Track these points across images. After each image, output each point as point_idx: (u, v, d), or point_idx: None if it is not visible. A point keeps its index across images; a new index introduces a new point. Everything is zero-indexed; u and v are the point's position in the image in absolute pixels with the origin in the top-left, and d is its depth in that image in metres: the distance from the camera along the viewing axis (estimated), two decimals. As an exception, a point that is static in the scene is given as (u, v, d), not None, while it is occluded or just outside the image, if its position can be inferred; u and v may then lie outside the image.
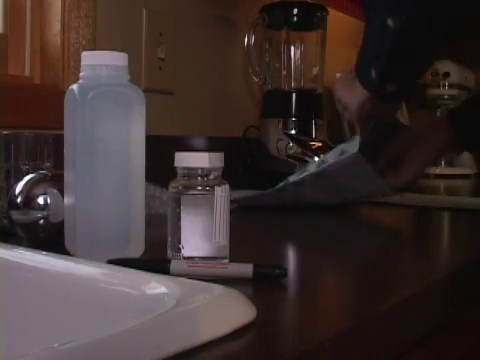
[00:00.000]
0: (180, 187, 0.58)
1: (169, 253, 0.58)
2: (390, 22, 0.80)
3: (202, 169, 0.57)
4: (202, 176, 0.57)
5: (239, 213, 0.92)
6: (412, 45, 0.83)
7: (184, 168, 0.58)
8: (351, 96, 0.90)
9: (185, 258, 0.57)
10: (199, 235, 0.57)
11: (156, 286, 0.43)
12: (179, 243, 0.57)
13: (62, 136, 0.58)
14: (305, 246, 0.79)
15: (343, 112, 0.96)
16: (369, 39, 0.87)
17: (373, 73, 0.84)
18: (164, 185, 0.91)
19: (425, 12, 0.81)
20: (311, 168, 0.98)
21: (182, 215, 0.57)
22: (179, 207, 0.57)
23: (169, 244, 0.58)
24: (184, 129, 1.24)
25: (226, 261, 0.57)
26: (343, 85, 0.94)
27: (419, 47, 0.84)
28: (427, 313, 0.54)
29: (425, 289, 0.53)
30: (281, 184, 0.96)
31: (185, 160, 0.58)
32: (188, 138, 1.23)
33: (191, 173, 0.57)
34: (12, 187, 0.64)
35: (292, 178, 0.96)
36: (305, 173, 0.95)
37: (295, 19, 1.35)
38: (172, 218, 0.58)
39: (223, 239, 0.57)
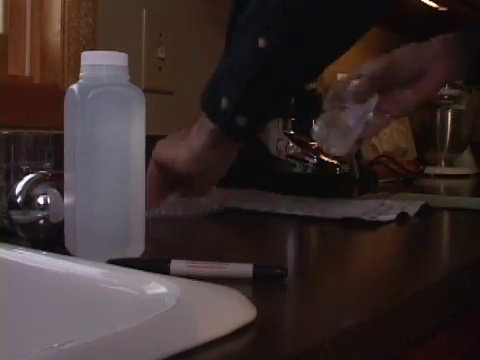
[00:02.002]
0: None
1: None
2: (261, 42, 0.71)
3: None
4: None
5: (237, 213, 0.92)
6: (281, 69, 0.74)
7: None
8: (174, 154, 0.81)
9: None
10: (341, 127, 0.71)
11: (156, 286, 0.43)
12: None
13: (62, 136, 0.58)
14: (305, 246, 0.79)
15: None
16: (229, 62, 0.79)
17: (224, 103, 0.75)
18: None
19: (305, 33, 0.72)
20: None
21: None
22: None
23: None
24: (184, 129, 1.24)
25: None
26: (166, 144, 0.83)
27: (289, 73, 0.75)
28: (427, 313, 0.54)
29: (425, 289, 0.53)
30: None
31: None
32: (188, 138, 1.23)
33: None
34: (12, 187, 0.64)
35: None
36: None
37: (295, 19, 1.34)
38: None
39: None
